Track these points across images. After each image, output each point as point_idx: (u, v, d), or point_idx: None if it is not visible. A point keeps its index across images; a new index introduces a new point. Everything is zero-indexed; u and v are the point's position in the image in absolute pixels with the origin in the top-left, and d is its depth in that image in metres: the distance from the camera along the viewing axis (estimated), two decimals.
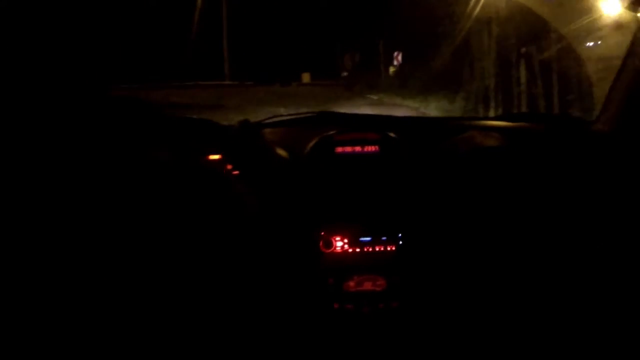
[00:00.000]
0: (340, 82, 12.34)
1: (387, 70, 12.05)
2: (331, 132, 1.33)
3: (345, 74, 12.68)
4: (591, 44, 1.46)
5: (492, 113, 4.84)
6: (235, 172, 1.22)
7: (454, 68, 6.51)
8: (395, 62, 12.07)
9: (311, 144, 1.32)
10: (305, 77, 12.45)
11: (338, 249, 1.28)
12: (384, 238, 1.28)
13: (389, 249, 1.28)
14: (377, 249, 1.28)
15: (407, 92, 8.67)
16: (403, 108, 7.60)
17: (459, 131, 1.33)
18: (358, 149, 1.32)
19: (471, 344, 1.29)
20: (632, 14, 1.38)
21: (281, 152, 1.33)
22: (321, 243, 1.28)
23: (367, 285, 1.27)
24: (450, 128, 1.41)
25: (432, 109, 6.83)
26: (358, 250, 1.28)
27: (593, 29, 1.46)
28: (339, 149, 1.32)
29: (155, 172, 0.59)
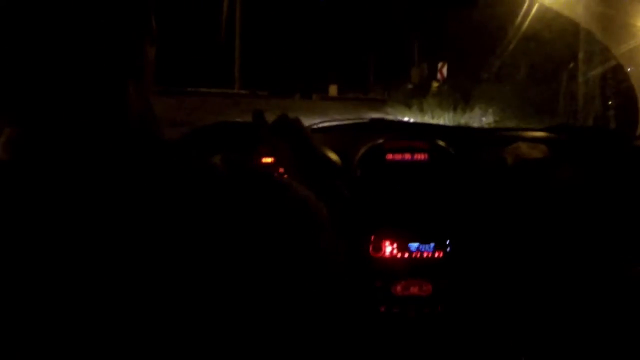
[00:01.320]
0: (371, 97, 11.09)
1: (424, 84, 10.35)
2: (382, 140, 1.37)
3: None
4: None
5: None
6: (286, 176, 1.27)
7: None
8: (438, 76, 10.26)
9: (362, 150, 1.36)
10: (332, 90, 10.95)
11: (387, 253, 1.31)
12: (432, 244, 1.31)
13: (436, 255, 1.31)
14: (425, 254, 1.31)
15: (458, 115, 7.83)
16: None
17: (506, 142, 1.36)
18: (408, 156, 1.36)
19: (511, 351, 1.31)
20: None
21: (332, 155, 1.37)
22: (371, 247, 1.31)
23: (414, 290, 1.31)
24: (497, 138, 1.44)
25: None
26: (406, 255, 1.31)
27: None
28: (390, 156, 1.36)
29: (213, 184, 0.53)
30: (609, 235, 1.33)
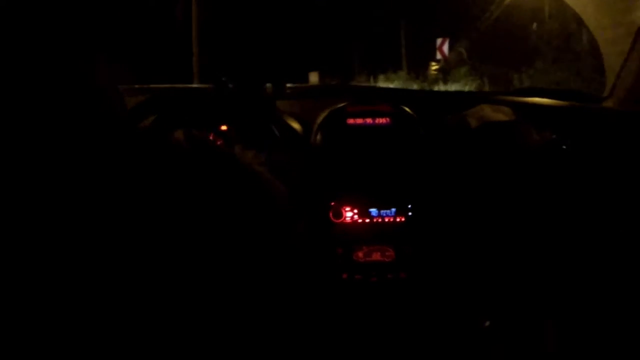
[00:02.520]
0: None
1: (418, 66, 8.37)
2: (343, 104, 1.34)
3: (435, 65, 9.00)
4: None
5: None
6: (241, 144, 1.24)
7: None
8: (438, 56, 8.48)
9: (323, 115, 1.33)
10: (313, 77, 9.42)
11: (348, 219, 1.29)
12: (393, 209, 1.28)
13: (398, 220, 1.29)
14: (387, 220, 1.29)
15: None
16: None
17: (470, 105, 1.34)
18: (369, 120, 1.33)
19: (475, 316, 1.29)
20: None
21: (293, 122, 1.34)
22: (331, 213, 1.28)
23: (376, 256, 1.28)
24: (461, 102, 1.41)
25: None
26: (368, 220, 1.29)
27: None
28: (351, 121, 1.32)
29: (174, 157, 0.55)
30: (572, 200, 1.32)
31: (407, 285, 1.29)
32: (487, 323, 1.26)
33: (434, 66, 8.43)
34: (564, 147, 1.31)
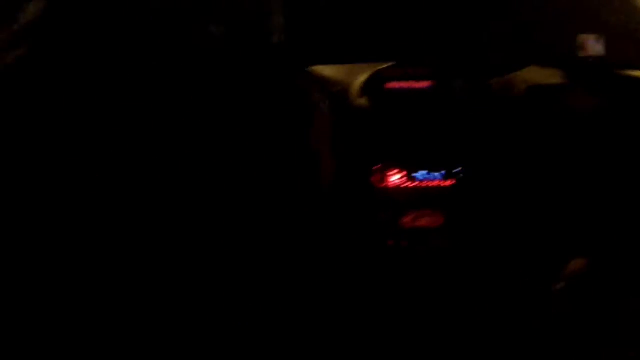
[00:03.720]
0: None
1: None
2: (381, 68, 1.30)
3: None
4: None
5: None
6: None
7: None
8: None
9: (362, 78, 1.29)
10: None
11: (392, 183, 1.24)
12: (442, 172, 1.23)
13: (446, 183, 1.23)
14: (434, 184, 1.24)
15: None
16: None
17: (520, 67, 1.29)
18: (409, 84, 1.29)
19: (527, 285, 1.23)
20: None
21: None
22: (375, 178, 1.24)
23: (423, 222, 1.23)
24: (510, 64, 1.35)
25: None
26: (413, 185, 1.24)
27: None
28: (389, 85, 1.29)
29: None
30: (627, 170, 1.26)
31: (456, 252, 1.23)
32: (561, 285, 1.19)
33: None
34: (618, 113, 1.26)
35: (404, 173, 1.24)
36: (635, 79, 1.40)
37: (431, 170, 1.24)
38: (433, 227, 1.23)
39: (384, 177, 1.24)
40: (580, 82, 1.29)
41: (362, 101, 1.28)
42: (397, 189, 1.24)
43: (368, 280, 1.24)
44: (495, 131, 1.27)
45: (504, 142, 1.27)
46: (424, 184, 1.24)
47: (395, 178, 1.24)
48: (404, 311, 1.23)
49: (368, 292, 1.23)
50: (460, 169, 1.24)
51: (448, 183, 1.23)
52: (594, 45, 1.32)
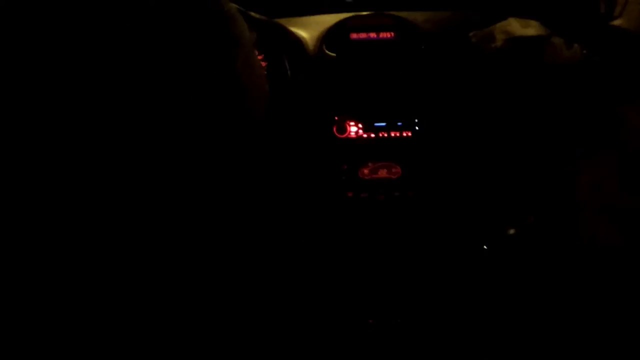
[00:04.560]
0: None
1: None
2: (345, 18, 1.28)
3: None
4: None
5: None
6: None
7: None
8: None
9: (326, 28, 1.27)
10: None
11: (352, 134, 1.24)
12: (399, 123, 1.23)
13: (405, 135, 1.24)
14: (393, 135, 1.24)
15: None
16: None
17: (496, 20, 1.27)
18: (373, 35, 1.27)
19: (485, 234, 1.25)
20: None
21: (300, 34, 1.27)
22: (335, 128, 1.24)
23: (383, 173, 1.24)
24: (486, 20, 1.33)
25: None
26: (373, 135, 1.24)
27: None
28: (354, 35, 1.27)
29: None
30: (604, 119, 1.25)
31: (415, 203, 1.24)
32: (532, 219, 1.20)
33: None
34: (595, 62, 1.24)
35: (365, 124, 1.24)
36: (614, 29, 1.40)
37: (391, 121, 1.23)
38: (392, 178, 1.24)
39: (344, 128, 1.24)
40: (560, 34, 1.28)
41: (325, 50, 1.26)
42: (357, 140, 1.24)
43: (329, 231, 1.26)
44: (463, 84, 1.26)
45: (471, 95, 1.26)
46: (384, 134, 1.24)
47: (355, 129, 1.24)
48: (361, 259, 1.25)
49: (329, 242, 1.25)
50: (420, 121, 1.23)
51: (408, 135, 1.24)
52: None
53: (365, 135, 1.24)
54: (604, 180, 1.09)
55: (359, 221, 1.24)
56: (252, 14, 1.20)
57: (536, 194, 1.21)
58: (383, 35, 1.27)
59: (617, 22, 1.43)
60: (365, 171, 1.23)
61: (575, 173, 1.13)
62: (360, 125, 1.24)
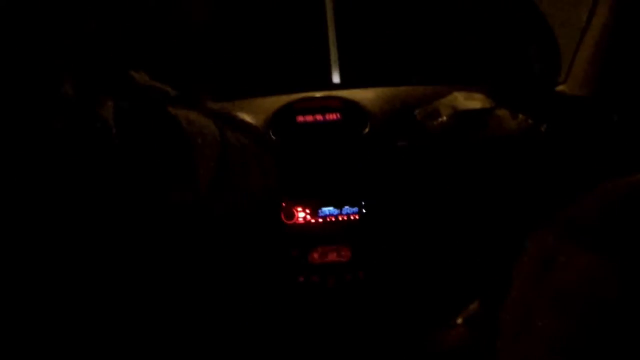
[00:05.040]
0: None
1: None
2: (291, 100, 1.29)
3: None
4: None
5: None
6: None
7: None
8: None
9: (272, 112, 1.28)
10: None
11: (300, 219, 1.24)
12: (346, 207, 1.24)
13: (352, 218, 1.24)
14: (340, 218, 1.24)
15: None
16: None
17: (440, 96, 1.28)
18: (319, 117, 1.28)
19: (438, 313, 1.25)
20: None
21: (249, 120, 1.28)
22: (282, 214, 1.24)
23: (332, 256, 1.24)
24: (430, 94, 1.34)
25: None
26: (321, 220, 1.24)
27: None
28: (300, 118, 1.28)
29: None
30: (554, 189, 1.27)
31: (366, 286, 1.24)
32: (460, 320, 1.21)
33: None
34: (542, 131, 1.25)
35: (312, 209, 1.24)
36: (560, 96, 1.42)
37: (338, 205, 1.24)
38: (343, 261, 1.24)
39: (292, 214, 1.24)
40: (506, 105, 1.29)
41: (271, 135, 1.26)
42: (305, 225, 1.24)
43: (280, 315, 1.25)
44: (408, 161, 1.27)
45: (418, 171, 1.27)
46: (332, 219, 1.24)
47: (303, 214, 1.24)
48: (317, 344, 1.24)
49: (281, 326, 1.24)
50: (367, 203, 1.24)
51: (355, 218, 1.24)
52: None
53: (313, 220, 1.24)
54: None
55: (310, 306, 1.24)
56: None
57: (480, 278, 1.21)
58: (329, 117, 1.28)
59: (561, 88, 1.47)
60: (315, 255, 1.24)
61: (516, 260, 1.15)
62: (307, 211, 1.24)
